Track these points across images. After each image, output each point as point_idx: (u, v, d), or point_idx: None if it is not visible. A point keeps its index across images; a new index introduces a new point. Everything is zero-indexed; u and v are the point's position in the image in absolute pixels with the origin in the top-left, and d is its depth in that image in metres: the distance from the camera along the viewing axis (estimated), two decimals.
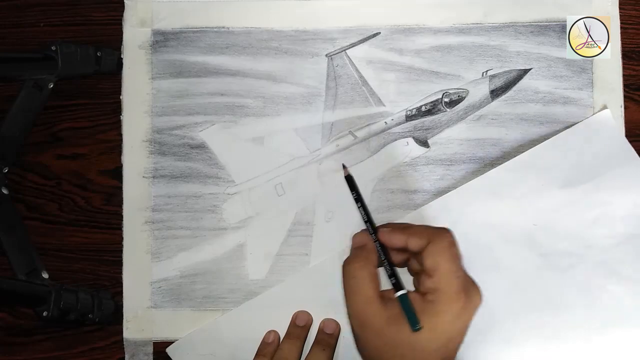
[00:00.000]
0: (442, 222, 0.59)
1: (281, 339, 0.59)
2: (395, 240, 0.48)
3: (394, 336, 0.45)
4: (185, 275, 0.60)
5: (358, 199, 0.52)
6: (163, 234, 0.60)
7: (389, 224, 0.50)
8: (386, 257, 0.49)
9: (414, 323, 0.45)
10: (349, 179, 0.53)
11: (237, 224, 0.60)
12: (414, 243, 0.47)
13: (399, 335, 0.45)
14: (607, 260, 0.58)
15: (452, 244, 0.47)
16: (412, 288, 0.49)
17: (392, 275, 0.48)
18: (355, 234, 0.51)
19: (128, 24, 0.61)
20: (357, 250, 0.49)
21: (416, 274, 0.49)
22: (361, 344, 0.47)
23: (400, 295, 0.47)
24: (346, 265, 0.48)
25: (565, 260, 0.59)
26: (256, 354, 0.58)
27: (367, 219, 0.50)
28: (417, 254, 0.48)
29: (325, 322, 0.59)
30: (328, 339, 0.58)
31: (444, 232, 0.47)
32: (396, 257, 0.49)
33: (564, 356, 0.58)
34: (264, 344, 0.59)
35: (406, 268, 0.50)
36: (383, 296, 0.47)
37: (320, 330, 0.59)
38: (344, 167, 0.54)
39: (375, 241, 0.49)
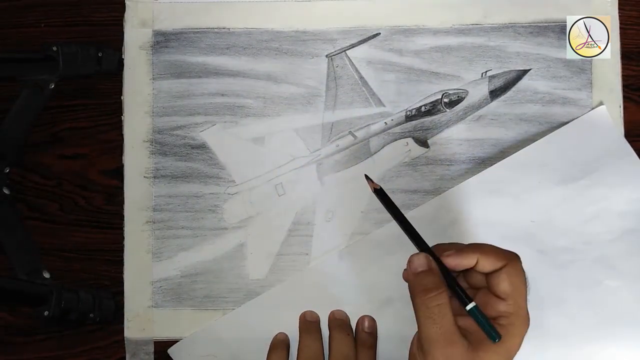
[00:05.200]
0: (441, 220, 0.59)
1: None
2: (466, 262, 0.46)
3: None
4: (185, 275, 0.60)
5: (398, 216, 0.48)
6: (164, 234, 0.60)
7: (445, 245, 0.49)
8: (452, 279, 0.47)
9: (495, 334, 0.44)
10: (380, 193, 0.49)
11: (237, 224, 0.61)
12: (488, 264, 0.46)
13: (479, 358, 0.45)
14: (604, 255, 0.59)
15: (523, 269, 0.47)
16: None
17: (458, 289, 0.46)
18: (414, 255, 0.47)
19: (129, 24, 0.61)
20: (425, 275, 0.46)
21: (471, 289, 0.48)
22: None
23: (473, 307, 0.45)
24: (423, 293, 0.46)
25: (564, 256, 0.59)
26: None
27: (419, 240, 0.48)
28: (479, 274, 0.47)
29: (365, 319, 0.59)
30: (369, 337, 0.58)
31: (516, 256, 0.47)
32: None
33: (562, 352, 0.59)
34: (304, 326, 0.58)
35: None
36: (457, 324, 0.46)
37: (360, 330, 0.58)
38: (367, 178, 0.50)
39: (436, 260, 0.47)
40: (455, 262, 0.47)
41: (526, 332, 0.46)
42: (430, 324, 0.45)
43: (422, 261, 0.47)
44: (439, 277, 0.46)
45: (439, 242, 0.49)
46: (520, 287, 0.46)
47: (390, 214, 0.49)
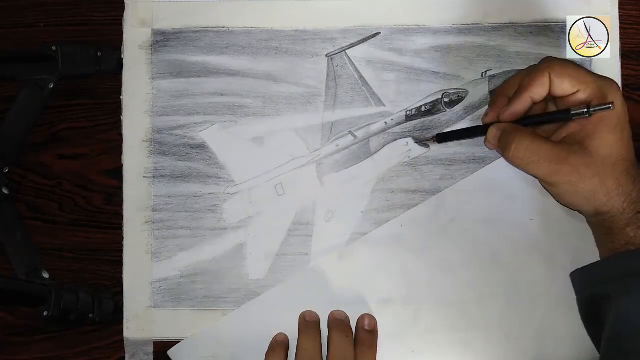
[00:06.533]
0: (439, 219, 0.59)
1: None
2: (520, 107, 0.54)
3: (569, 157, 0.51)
4: (185, 275, 0.60)
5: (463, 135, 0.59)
6: (163, 234, 0.60)
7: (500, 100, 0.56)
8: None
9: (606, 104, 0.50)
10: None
11: (237, 224, 0.61)
12: (540, 94, 0.53)
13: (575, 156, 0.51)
14: None
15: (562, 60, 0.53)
16: None
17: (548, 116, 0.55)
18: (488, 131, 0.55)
19: (128, 24, 0.61)
20: (502, 135, 0.54)
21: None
22: (555, 182, 0.52)
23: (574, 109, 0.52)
24: (501, 135, 0.54)
25: (563, 255, 0.59)
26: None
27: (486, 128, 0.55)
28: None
29: (365, 317, 0.58)
30: (369, 336, 0.58)
31: (550, 58, 0.54)
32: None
33: (563, 353, 0.59)
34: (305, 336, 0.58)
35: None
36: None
37: (360, 329, 0.58)
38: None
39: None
40: (511, 113, 0.54)
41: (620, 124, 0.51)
42: (512, 146, 0.52)
43: (492, 133, 0.55)
44: (511, 132, 0.53)
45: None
46: (575, 69, 0.52)
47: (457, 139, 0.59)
